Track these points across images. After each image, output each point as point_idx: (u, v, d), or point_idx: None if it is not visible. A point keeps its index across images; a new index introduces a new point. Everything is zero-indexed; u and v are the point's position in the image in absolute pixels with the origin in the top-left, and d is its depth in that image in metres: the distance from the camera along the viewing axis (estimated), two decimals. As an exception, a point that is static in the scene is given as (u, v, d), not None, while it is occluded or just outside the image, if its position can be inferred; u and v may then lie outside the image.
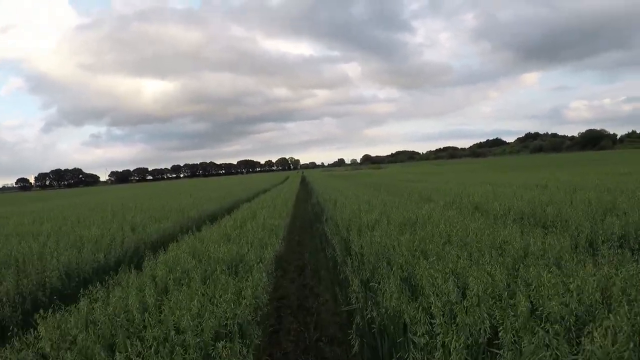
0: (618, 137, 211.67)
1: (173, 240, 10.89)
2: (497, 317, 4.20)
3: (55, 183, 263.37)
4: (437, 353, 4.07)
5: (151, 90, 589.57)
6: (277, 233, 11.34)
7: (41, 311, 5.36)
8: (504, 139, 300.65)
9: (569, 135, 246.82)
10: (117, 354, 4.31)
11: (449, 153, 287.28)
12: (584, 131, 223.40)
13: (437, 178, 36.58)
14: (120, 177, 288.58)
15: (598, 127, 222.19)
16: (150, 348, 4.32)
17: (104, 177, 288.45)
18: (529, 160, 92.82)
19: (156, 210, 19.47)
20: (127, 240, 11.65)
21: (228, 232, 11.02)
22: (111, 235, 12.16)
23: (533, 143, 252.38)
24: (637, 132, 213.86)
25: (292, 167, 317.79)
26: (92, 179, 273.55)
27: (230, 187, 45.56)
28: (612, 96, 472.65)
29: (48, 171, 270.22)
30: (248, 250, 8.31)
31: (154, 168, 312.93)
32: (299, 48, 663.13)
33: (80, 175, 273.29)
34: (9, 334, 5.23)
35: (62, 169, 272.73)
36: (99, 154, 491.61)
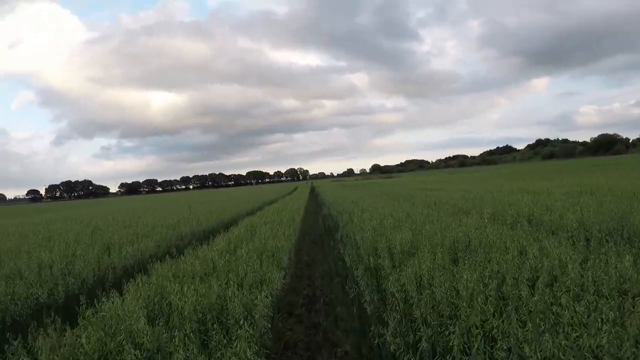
0: (630, 141, 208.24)
1: (149, 265, 8.52)
2: None
3: (65, 195, 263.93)
4: None
5: (159, 102, 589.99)
6: (280, 259, 8.66)
7: None
8: (513, 146, 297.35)
9: (580, 140, 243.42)
10: None
11: (459, 161, 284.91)
12: (596, 136, 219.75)
13: (457, 186, 33.86)
14: (130, 189, 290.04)
15: (609, 132, 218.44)
16: None
17: (113, 189, 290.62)
18: (542, 167, 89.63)
19: (145, 226, 16.95)
20: (84, 267, 9.05)
21: (215, 259, 8.37)
22: (68, 260, 9.55)
23: (544, 149, 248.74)
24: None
25: (301, 177, 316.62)
26: (102, 191, 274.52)
27: (236, 198, 43.11)
28: (621, 100, 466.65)
29: (58, 183, 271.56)
30: (233, 293, 5.65)
31: (163, 179, 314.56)
32: (306, 59, 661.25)
33: (91, 187, 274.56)
34: None
35: (73, 181, 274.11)
36: (110, 165, 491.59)
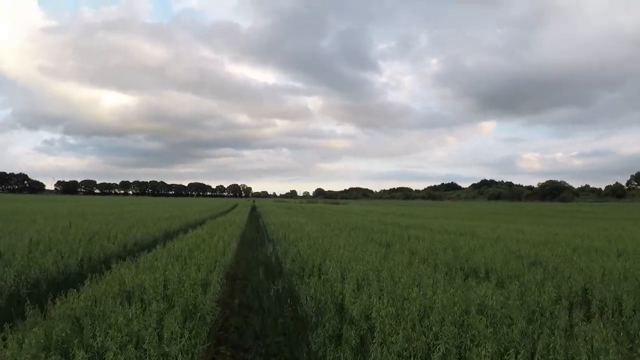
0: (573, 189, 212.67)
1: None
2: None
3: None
4: None
5: (110, 102, 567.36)
6: None
7: None
8: (458, 183, 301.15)
9: (524, 184, 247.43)
10: None
11: (404, 193, 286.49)
12: (543, 181, 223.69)
13: (428, 223, 27.84)
14: (67, 188, 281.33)
15: (551, 179, 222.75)
16: None
17: (50, 186, 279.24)
18: (503, 207, 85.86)
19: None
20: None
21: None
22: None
23: (490, 190, 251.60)
24: (591, 186, 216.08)
25: (243, 194, 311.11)
26: (38, 187, 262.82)
27: (154, 211, 35.67)
28: (564, 150, 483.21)
29: None
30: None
31: (102, 182, 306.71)
32: (264, 76, 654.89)
33: (25, 182, 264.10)
34: None
35: (8, 173, 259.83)
36: (51, 161, 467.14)
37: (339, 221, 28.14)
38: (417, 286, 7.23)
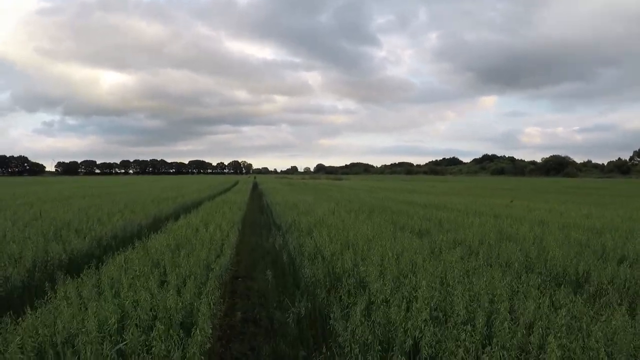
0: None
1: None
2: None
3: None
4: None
5: (108, 81, 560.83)
6: None
7: None
8: (460, 158, 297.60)
9: (527, 159, 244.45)
10: None
11: (406, 168, 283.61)
12: (547, 156, 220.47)
13: (449, 201, 25.08)
14: (67, 169, 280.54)
15: (552, 154, 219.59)
16: None
17: (50, 168, 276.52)
18: (513, 183, 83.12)
19: None
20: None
21: None
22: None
23: (492, 164, 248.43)
24: (593, 161, 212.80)
25: (244, 171, 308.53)
26: (38, 169, 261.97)
27: (149, 191, 32.93)
28: (565, 125, 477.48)
29: None
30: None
31: (102, 162, 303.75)
32: (263, 52, 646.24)
33: (26, 164, 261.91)
34: None
35: (8, 156, 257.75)
36: (50, 143, 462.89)
37: (350, 200, 25.44)
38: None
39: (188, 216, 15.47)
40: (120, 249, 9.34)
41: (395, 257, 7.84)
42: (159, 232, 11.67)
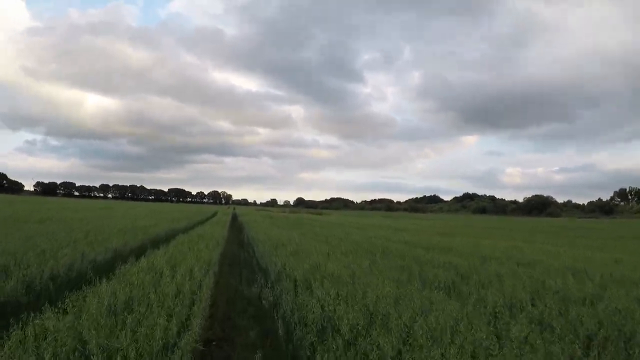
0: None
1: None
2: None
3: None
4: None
5: (93, 104, 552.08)
6: None
7: None
8: (440, 196, 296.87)
9: (507, 198, 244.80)
10: None
11: (386, 205, 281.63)
12: (528, 196, 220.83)
13: (448, 243, 22.57)
14: (46, 189, 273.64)
15: (532, 194, 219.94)
16: None
17: (29, 187, 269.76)
18: (502, 223, 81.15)
19: None
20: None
21: None
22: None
23: (472, 203, 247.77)
24: (573, 201, 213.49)
25: (223, 201, 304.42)
26: (17, 187, 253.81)
27: (118, 219, 29.77)
28: (545, 165, 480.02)
29: None
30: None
31: (81, 184, 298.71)
32: (248, 83, 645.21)
33: (4, 181, 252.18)
34: None
35: None
36: (32, 162, 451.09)
37: (341, 238, 22.77)
38: None
39: (155, 253, 12.69)
40: (47, 305, 6.60)
41: (450, 336, 5.25)
42: (110, 276, 8.91)
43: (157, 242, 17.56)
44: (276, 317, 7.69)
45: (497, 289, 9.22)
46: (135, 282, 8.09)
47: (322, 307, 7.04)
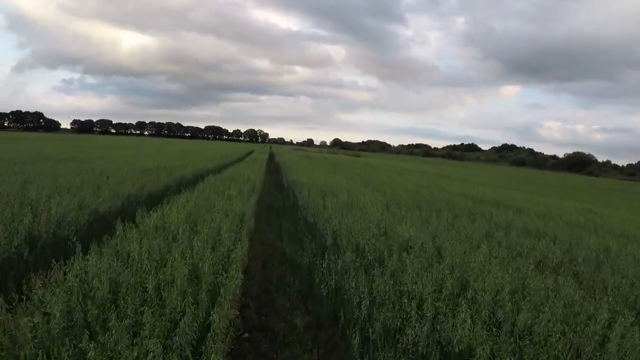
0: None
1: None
2: None
3: (12, 125, 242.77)
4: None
5: (131, 43, 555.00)
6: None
7: None
8: (478, 145, 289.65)
9: (545, 152, 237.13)
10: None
11: (424, 150, 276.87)
12: (569, 152, 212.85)
13: (508, 195, 19.47)
14: (82, 127, 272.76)
15: (569, 150, 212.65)
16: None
17: (65, 125, 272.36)
18: (558, 180, 77.20)
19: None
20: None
21: None
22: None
23: (512, 154, 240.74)
24: (612, 162, 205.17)
25: (260, 140, 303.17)
26: (53, 125, 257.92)
27: (145, 158, 27.15)
28: (586, 123, 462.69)
29: (8, 112, 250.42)
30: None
31: (118, 122, 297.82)
32: (288, 22, 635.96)
33: (41, 120, 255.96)
34: None
35: (23, 112, 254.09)
36: (69, 101, 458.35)
37: (392, 186, 19.82)
38: None
39: (175, 201, 10.06)
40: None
41: None
42: (100, 245, 6.14)
43: (183, 185, 15.06)
44: (342, 318, 5.06)
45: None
46: (130, 257, 5.45)
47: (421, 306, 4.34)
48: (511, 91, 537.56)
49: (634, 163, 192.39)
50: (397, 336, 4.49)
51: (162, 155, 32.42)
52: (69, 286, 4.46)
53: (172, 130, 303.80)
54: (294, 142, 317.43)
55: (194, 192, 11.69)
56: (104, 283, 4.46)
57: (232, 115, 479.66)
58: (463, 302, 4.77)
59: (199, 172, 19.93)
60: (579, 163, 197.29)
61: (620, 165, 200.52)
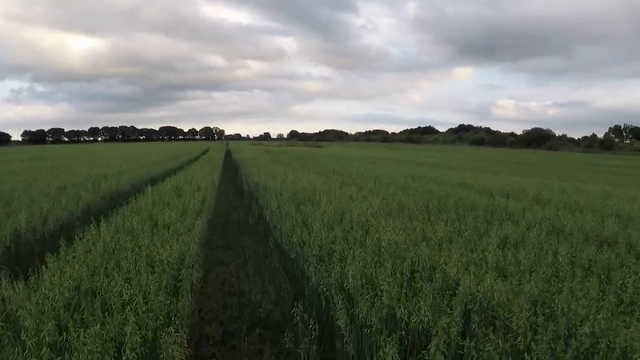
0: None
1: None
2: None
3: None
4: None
5: (79, 47, 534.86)
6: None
7: None
8: (435, 127, 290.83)
9: (502, 130, 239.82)
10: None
11: (382, 136, 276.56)
12: (529, 129, 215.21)
13: (477, 178, 16.47)
14: (34, 138, 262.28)
15: (525, 127, 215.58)
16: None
17: (16, 137, 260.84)
18: (535, 157, 75.51)
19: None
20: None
21: None
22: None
23: (470, 135, 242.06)
24: (568, 136, 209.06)
25: (216, 137, 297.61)
26: (4, 138, 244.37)
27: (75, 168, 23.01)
28: (538, 99, 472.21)
29: None
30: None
31: (70, 129, 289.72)
32: (239, 16, 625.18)
33: None
34: None
35: None
36: (19, 111, 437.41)
37: (374, 180, 16.48)
38: None
39: (73, 245, 6.42)
40: None
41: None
42: None
43: (113, 204, 11.34)
44: None
45: None
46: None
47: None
48: (466, 73, 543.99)
49: (588, 135, 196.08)
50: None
51: (103, 163, 28.24)
52: None
53: (126, 134, 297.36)
54: (251, 137, 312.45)
55: (112, 222, 7.89)
56: None
57: (188, 114, 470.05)
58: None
59: (138, 182, 16.12)
60: (538, 139, 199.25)
61: (577, 139, 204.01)
